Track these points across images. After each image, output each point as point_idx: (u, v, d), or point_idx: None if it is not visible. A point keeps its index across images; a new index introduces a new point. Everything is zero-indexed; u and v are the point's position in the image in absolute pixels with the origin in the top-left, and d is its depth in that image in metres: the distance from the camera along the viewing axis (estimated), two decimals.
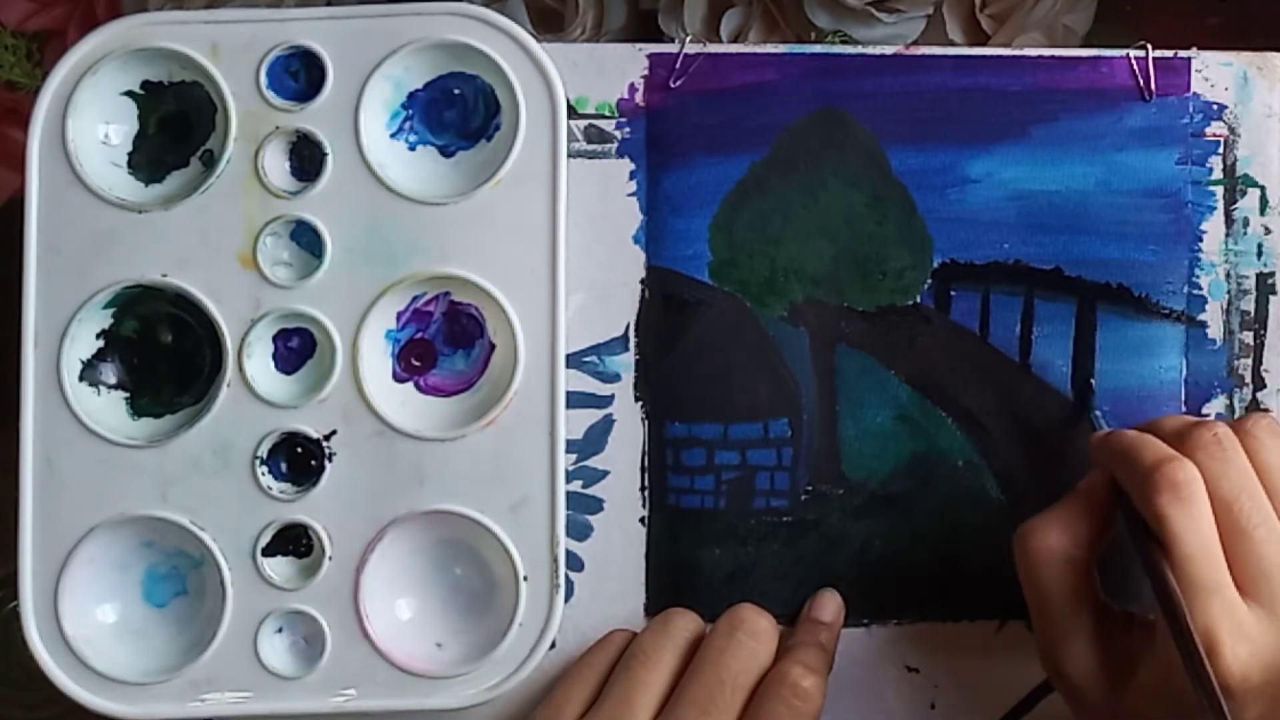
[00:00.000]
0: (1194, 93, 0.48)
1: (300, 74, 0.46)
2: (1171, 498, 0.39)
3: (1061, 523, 0.42)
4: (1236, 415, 0.48)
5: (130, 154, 0.47)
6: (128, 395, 0.46)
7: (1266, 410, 0.48)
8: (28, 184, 0.45)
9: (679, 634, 0.45)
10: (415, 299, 0.46)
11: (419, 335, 0.47)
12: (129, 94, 0.46)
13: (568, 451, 0.47)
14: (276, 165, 0.46)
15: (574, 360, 0.48)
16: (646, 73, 0.48)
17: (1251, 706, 0.38)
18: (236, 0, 0.53)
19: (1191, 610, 0.38)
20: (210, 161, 0.46)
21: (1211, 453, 0.40)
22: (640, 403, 0.48)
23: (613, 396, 0.48)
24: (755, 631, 0.44)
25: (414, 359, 0.47)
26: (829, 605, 0.47)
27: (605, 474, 0.48)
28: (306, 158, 0.46)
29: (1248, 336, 0.48)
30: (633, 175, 0.48)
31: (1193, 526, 0.39)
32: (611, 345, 0.48)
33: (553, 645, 0.46)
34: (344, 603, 0.45)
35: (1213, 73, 0.48)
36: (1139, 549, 0.40)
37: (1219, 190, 0.48)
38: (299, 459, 0.46)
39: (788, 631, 0.47)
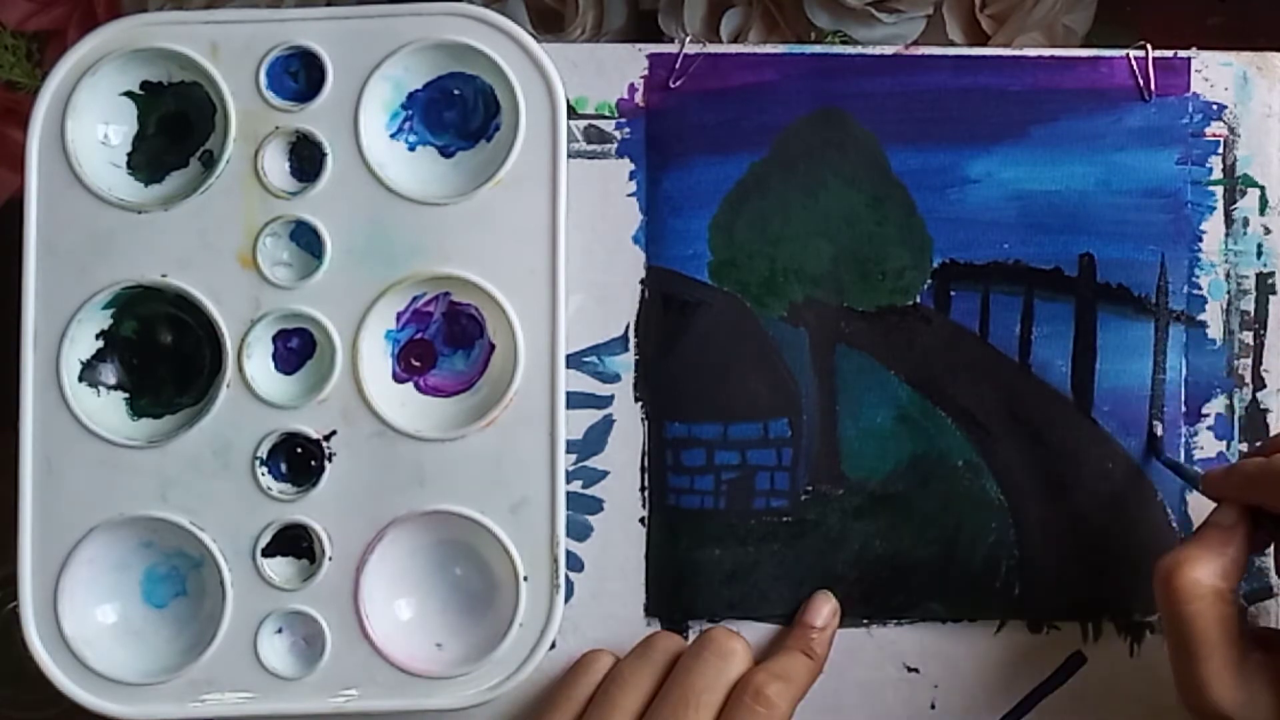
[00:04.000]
0: (1194, 93, 0.48)
1: (300, 74, 0.46)
2: None
3: (1208, 555, 0.42)
4: (1236, 415, 0.48)
5: (130, 154, 0.47)
6: (127, 396, 0.46)
7: (1267, 410, 0.48)
8: (27, 184, 0.45)
9: (658, 657, 0.46)
10: (415, 299, 0.46)
11: (419, 335, 0.47)
12: (128, 94, 0.46)
13: (568, 451, 0.47)
14: (276, 165, 0.46)
15: (574, 360, 0.48)
16: (646, 73, 0.48)
17: None
18: (236, 0, 0.53)
19: None
20: (210, 162, 0.46)
21: None
22: (640, 403, 0.48)
23: (613, 397, 0.48)
24: (722, 651, 0.45)
25: (414, 359, 0.47)
26: (823, 610, 0.47)
27: (605, 474, 0.48)
28: (306, 158, 0.46)
29: (1248, 336, 0.48)
30: (632, 175, 0.48)
31: None
32: (611, 345, 0.48)
33: (553, 645, 0.46)
34: (344, 603, 0.45)
35: (1213, 73, 0.48)
36: None
37: (1219, 190, 0.48)
38: (299, 459, 0.46)
39: (785, 632, 0.47)
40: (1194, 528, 0.47)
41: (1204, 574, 0.41)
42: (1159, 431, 0.47)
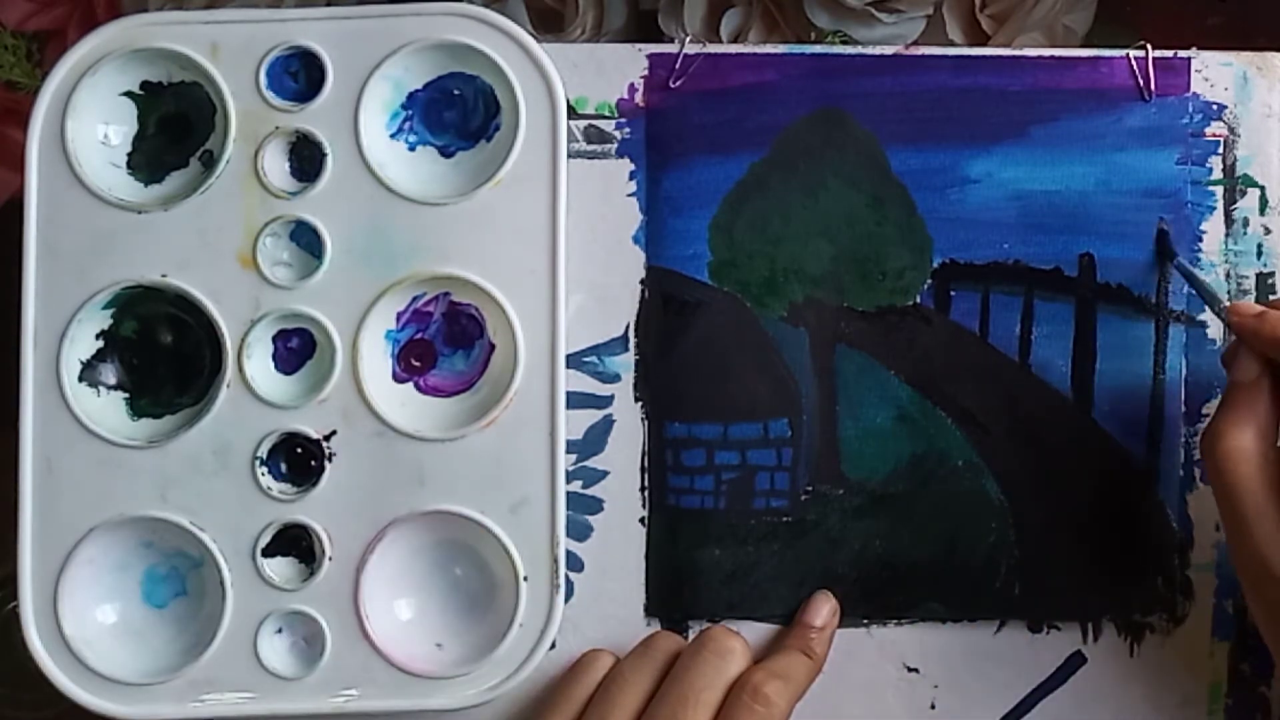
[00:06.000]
0: (1194, 93, 0.48)
1: (300, 74, 0.46)
2: None
3: (1243, 419, 0.42)
4: None
5: (130, 154, 0.47)
6: (127, 396, 0.46)
7: None
8: (27, 184, 0.45)
9: (658, 656, 0.46)
10: (415, 299, 0.46)
11: (419, 335, 0.47)
12: (128, 94, 0.46)
13: (568, 451, 0.47)
14: (276, 165, 0.46)
15: (574, 360, 0.48)
16: (646, 73, 0.48)
17: None
18: (236, 0, 0.53)
19: None
20: (210, 162, 0.46)
21: None
22: (640, 403, 0.48)
23: (613, 397, 0.48)
24: (721, 650, 0.45)
25: (414, 359, 0.47)
26: (822, 609, 0.47)
27: (605, 474, 0.48)
28: (306, 158, 0.46)
29: None
30: (633, 175, 0.48)
31: None
32: (611, 345, 0.48)
33: (553, 645, 0.46)
34: (344, 603, 0.45)
35: (1213, 73, 0.48)
36: None
37: (1219, 190, 0.48)
38: (299, 459, 0.46)
39: (784, 632, 0.47)
40: (1194, 527, 0.48)
41: (1244, 439, 0.42)
42: (1167, 229, 0.47)
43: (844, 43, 0.51)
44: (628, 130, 0.48)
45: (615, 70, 0.48)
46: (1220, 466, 0.42)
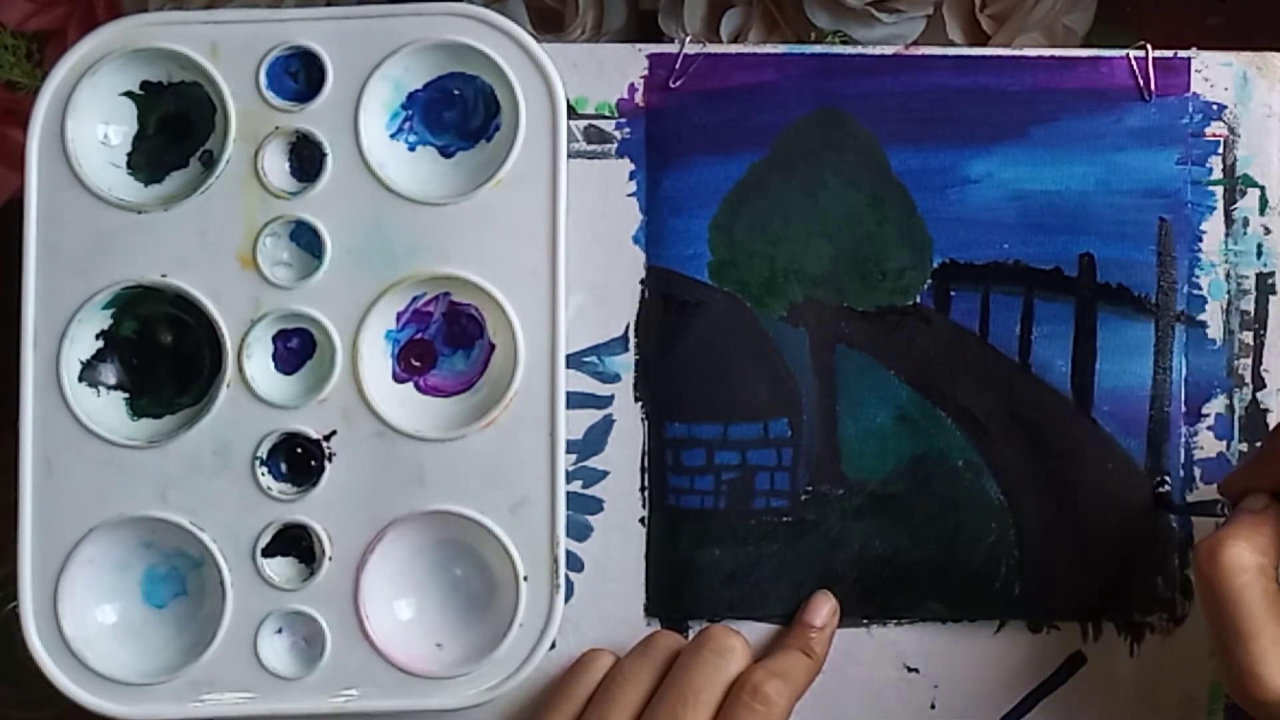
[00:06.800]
0: (1194, 93, 0.48)
1: (300, 74, 0.46)
2: None
3: (1246, 534, 0.41)
4: (1236, 415, 0.48)
5: (130, 154, 0.47)
6: (127, 396, 0.46)
7: (1267, 410, 0.48)
8: (27, 184, 0.45)
9: (659, 655, 0.46)
10: (415, 299, 0.46)
11: (419, 335, 0.47)
12: (128, 94, 0.46)
13: (568, 452, 0.47)
14: (276, 165, 0.46)
15: (574, 360, 0.48)
16: (646, 73, 0.48)
17: None
18: (236, 0, 0.53)
19: None
20: (210, 162, 0.46)
21: None
22: (640, 403, 0.48)
23: (613, 397, 0.48)
24: (721, 649, 0.45)
25: (414, 359, 0.47)
26: (822, 609, 0.47)
27: (605, 474, 0.48)
28: (306, 158, 0.46)
29: (1247, 336, 0.48)
30: (632, 175, 0.48)
31: None
32: (611, 345, 0.48)
33: (553, 645, 0.46)
34: (344, 603, 0.45)
35: (1213, 73, 0.48)
36: None
37: (1219, 190, 0.48)
38: (299, 459, 0.46)
39: (784, 632, 0.47)
40: (1194, 527, 0.48)
41: (1245, 551, 0.40)
42: (1166, 487, 0.47)
43: (844, 43, 0.51)
44: (628, 130, 0.48)
45: (615, 70, 0.48)
46: (1216, 576, 0.40)
